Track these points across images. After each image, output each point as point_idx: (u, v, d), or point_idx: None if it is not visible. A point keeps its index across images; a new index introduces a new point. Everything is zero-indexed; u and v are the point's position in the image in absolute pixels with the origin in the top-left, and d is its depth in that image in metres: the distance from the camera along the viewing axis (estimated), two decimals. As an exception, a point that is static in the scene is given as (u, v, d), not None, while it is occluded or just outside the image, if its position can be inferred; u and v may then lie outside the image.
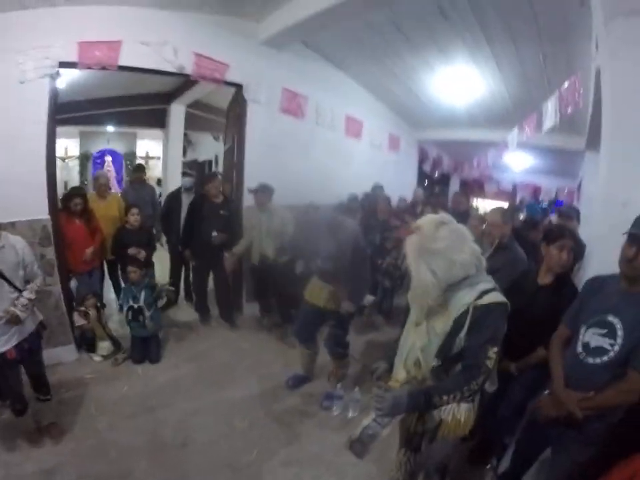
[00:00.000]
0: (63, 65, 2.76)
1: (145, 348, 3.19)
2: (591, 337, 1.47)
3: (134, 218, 3.51)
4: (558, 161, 6.05)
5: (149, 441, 2.32)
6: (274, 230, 3.49)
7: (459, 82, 4.25)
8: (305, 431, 2.52)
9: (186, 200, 3.96)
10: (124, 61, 2.98)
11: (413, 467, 1.89)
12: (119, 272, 3.79)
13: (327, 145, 4.55)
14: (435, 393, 1.30)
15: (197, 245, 3.65)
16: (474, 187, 8.38)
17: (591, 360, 1.46)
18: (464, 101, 4.65)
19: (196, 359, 3.26)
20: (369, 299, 3.15)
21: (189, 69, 3.30)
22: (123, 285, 3.63)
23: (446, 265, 1.30)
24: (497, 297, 1.32)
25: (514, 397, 2.07)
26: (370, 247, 3.27)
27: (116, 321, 3.75)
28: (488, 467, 2.27)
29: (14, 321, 1.93)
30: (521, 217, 4.58)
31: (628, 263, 1.38)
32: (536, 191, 7.05)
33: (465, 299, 1.32)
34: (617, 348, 1.38)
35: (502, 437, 2.27)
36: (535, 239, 3.00)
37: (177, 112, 6.23)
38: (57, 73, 2.76)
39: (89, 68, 2.91)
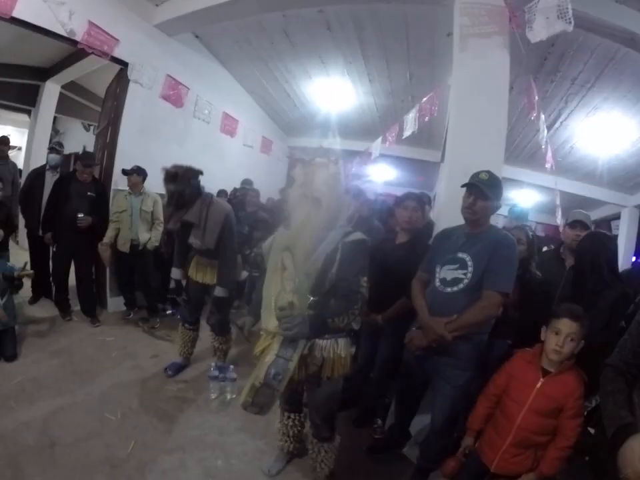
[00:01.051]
0: None
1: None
2: (446, 272, 1.74)
3: None
4: (417, 173, 6.91)
5: (12, 445, 1.95)
6: (146, 213, 3.43)
7: (333, 93, 4.65)
8: (184, 417, 2.37)
9: (50, 179, 3.57)
10: (17, 12, 2.69)
11: (300, 428, 1.97)
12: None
13: (202, 138, 4.54)
14: (327, 316, 1.41)
15: (59, 228, 3.27)
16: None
17: (449, 289, 1.71)
18: (336, 111, 5.05)
19: (58, 355, 2.86)
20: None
21: (79, 36, 3.09)
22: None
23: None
24: (359, 235, 1.51)
25: (386, 352, 2.29)
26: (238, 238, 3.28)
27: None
28: (375, 426, 2.41)
29: None
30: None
31: (467, 209, 1.72)
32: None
33: (334, 236, 1.46)
34: (469, 275, 1.66)
35: (381, 398, 2.45)
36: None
37: (51, 91, 5.43)
38: None
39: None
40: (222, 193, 4.33)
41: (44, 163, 3.84)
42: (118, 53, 3.42)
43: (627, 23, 2.57)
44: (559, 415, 1.42)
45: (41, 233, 3.41)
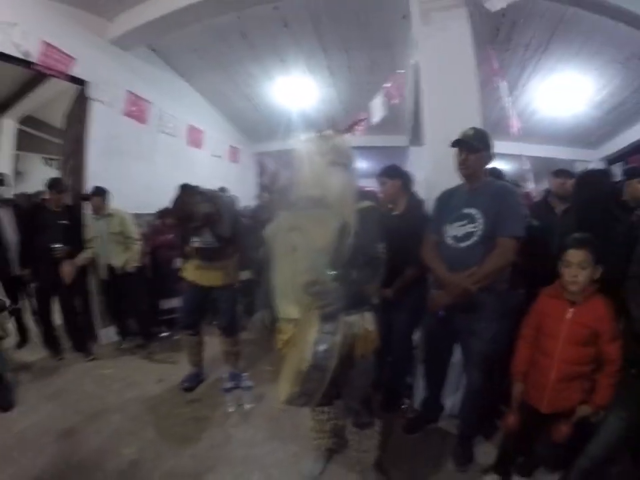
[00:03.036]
0: None
1: None
2: (456, 229, 1.76)
3: None
4: (382, 161, 7.01)
5: None
6: (115, 234, 3.29)
7: (295, 91, 4.67)
8: (206, 437, 2.22)
9: (5, 214, 3.27)
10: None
11: (335, 421, 1.90)
12: None
13: (170, 152, 4.48)
14: (355, 284, 1.37)
15: (35, 262, 3.09)
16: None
17: (462, 244, 1.73)
18: (299, 110, 5.03)
19: (56, 397, 2.66)
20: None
21: (35, 57, 2.98)
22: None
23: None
24: (367, 202, 1.51)
25: (402, 327, 2.26)
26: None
27: None
28: (404, 406, 2.38)
29: None
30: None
31: (461, 165, 1.77)
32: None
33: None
34: (480, 227, 1.69)
35: (403, 378, 2.43)
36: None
37: (8, 128, 5.15)
38: None
39: None
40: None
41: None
42: (75, 71, 3.32)
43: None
44: (598, 342, 1.43)
45: (18, 269, 3.17)
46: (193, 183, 2.69)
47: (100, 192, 3.23)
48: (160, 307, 3.66)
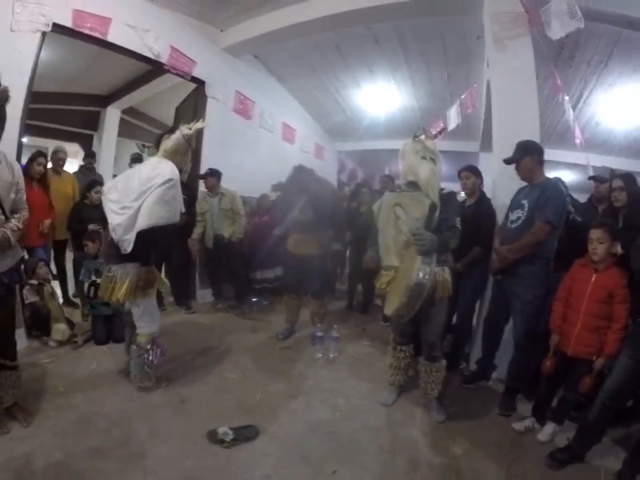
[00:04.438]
0: (57, 26, 2.83)
1: (108, 327, 3.01)
2: (513, 214, 2.35)
3: (97, 196, 3.39)
4: (455, 165, 7.36)
5: (143, 404, 2.22)
6: (226, 210, 3.82)
7: (379, 97, 5.17)
8: (297, 372, 2.75)
9: None
10: (110, 37, 3.17)
11: (409, 360, 2.39)
12: (71, 253, 3.64)
13: (268, 146, 5.09)
14: (441, 244, 1.92)
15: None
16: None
17: (513, 226, 2.31)
18: (382, 114, 5.58)
19: (163, 334, 2.96)
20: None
21: (164, 59, 3.60)
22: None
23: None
24: (450, 189, 2.12)
25: (466, 295, 2.70)
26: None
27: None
28: (462, 367, 2.84)
29: (4, 243, 1.73)
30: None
31: (516, 171, 2.37)
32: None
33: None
34: (525, 213, 2.25)
35: (464, 343, 2.87)
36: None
37: (112, 116, 6.06)
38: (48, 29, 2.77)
39: (79, 36, 3.00)
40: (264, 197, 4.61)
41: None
42: (195, 72, 3.96)
43: (622, 9, 2.97)
44: (612, 301, 1.85)
45: None
46: (287, 173, 3.22)
47: (215, 173, 3.78)
48: (253, 276, 4.21)
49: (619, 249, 1.92)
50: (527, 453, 1.98)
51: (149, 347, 2.32)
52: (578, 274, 1.99)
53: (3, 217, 1.76)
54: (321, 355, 2.98)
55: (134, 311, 2.31)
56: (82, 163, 4.72)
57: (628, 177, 2.31)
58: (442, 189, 2.08)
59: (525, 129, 2.76)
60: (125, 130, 6.52)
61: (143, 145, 7.17)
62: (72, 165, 6.66)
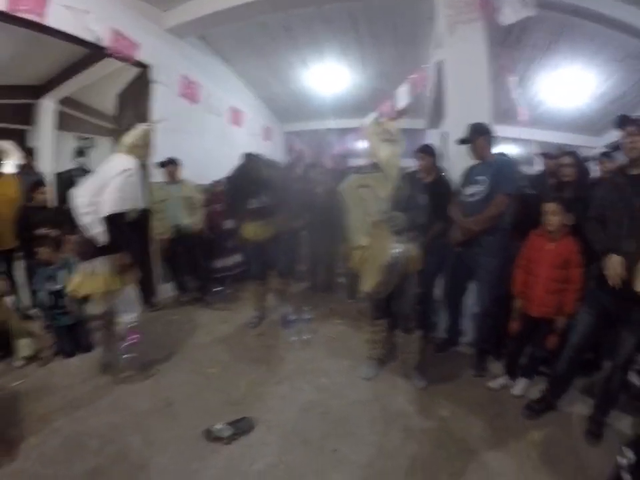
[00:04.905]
0: None
1: (73, 337, 2.82)
2: (469, 189, 2.48)
3: (42, 196, 3.20)
4: (406, 142, 7.60)
5: (129, 414, 2.12)
6: (186, 199, 3.72)
7: (328, 77, 5.17)
8: (276, 358, 2.76)
9: None
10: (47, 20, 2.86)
11: (385, 333, 2.49)
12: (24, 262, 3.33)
13: (216, 130, 4.93)
14: (412, 218, 2.04)
15: None
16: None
17: (471, 200, 2.45)
18: (331, 94, 5.60)
19: None
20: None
21: (106, 42, 3.31)
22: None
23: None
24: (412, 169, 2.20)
25: (429, 268, 2.66)
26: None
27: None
28: (432, 335, 2.92)
29: None
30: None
31: (470, 151, 2.51)
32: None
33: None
34: (485, 187, 2.38)
35: (429, 317, 2.96)
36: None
37: (48, 108, 5.48)
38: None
39: (12, 21, 2.70)
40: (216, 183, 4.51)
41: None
42: (138, 56, 3.67)
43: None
44: (568, 267, 2.05)
45: None
46: (236, 157, 3.14)
47: (174, 161, 3.67)
48: (213, 265, 4.15)
49: (571, 219, 2.10)
50: (505, 408, 2.17)
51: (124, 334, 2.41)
52: (535, 243, 2.17)
53: None
54: (295, 338, 3.01)
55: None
56: (20, 162, 4.28)
57: (575, 154, 2.55)
58: (405, 168, 2.17)
59: (476, 110, 2.93)
60: (62, 122, 5.94)
61: (81, 137, 6.62)
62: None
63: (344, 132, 6.07)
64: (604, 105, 5.15)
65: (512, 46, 4.14)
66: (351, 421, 2.06)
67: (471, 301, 2.72)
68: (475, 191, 2.43)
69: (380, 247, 2.02)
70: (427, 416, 2.10)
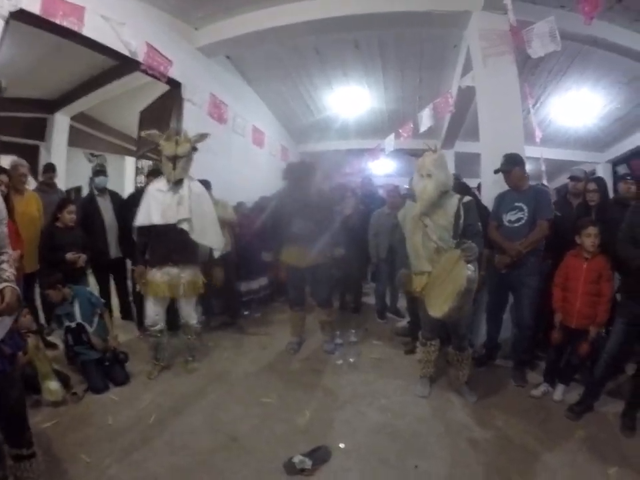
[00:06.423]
0: (24, 13, 2.47)
1: (104, 371, 2.58)
2: (510, 216, 2.67)
3: (70, 217, 2.96)
4: (412, 163, 7.73)
5: (191, 455, 1.92)
6: (219, 220, 3.50)
7: (350, 100, 5.27)
8: (329, 382, 2.70)
9: (104, 204, 3.52)
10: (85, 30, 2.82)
11: (438, 352, 2.55)
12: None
13: (240, 151, 4.94)
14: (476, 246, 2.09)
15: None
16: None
17: (515, 225, 2.64)
18: (350, 116, 5.74)
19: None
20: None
21: (141, 57, 3.26)
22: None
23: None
24: (469, 197, 2.33)
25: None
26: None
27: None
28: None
29: (16, 303, 1.26)
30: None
31: (506, 181, 2.74)
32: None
33: (453, 201, 2.26)
34: (526, 214, 2.59)
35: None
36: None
37: (61, 124, 5.35)
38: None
39: (48, 29, 2.65)
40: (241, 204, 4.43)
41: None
42: (170, 73, 3.62)
43: (587, 30, 3.35)
44: (600, 281, 2.29)
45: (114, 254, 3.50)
46: (258, 179, 3.11)
47: (207, 183, 3.42)
48: (240, 289, 4.00)
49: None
50: (550, 412, 2.34)
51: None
52: (571, 262, 2.41)
53: None
54: (341, 361, 2.98)
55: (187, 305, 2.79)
56: (41, 179, 4.10)
57: (600, 180, 2.83)
58: (462, 197, 2.28)
59: (510, 136, 3.13)
60: (74, 138, 5.80)
61: (92, 154, 6.50)
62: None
63: (361, 152, 6.16)
64: (609, 124, 5.46)
65: (529, 72, 4.35)
66: (420, 438, 2.09)
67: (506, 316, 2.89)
68: (516, 217, 2.63)
69: (453, 273, 2.07)
70: (485, 427, 2.20)
